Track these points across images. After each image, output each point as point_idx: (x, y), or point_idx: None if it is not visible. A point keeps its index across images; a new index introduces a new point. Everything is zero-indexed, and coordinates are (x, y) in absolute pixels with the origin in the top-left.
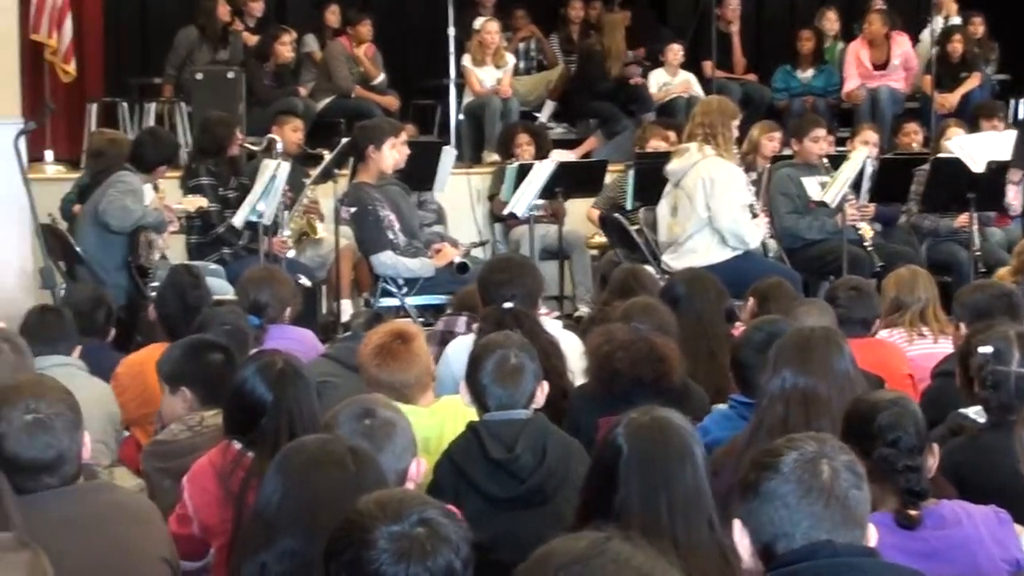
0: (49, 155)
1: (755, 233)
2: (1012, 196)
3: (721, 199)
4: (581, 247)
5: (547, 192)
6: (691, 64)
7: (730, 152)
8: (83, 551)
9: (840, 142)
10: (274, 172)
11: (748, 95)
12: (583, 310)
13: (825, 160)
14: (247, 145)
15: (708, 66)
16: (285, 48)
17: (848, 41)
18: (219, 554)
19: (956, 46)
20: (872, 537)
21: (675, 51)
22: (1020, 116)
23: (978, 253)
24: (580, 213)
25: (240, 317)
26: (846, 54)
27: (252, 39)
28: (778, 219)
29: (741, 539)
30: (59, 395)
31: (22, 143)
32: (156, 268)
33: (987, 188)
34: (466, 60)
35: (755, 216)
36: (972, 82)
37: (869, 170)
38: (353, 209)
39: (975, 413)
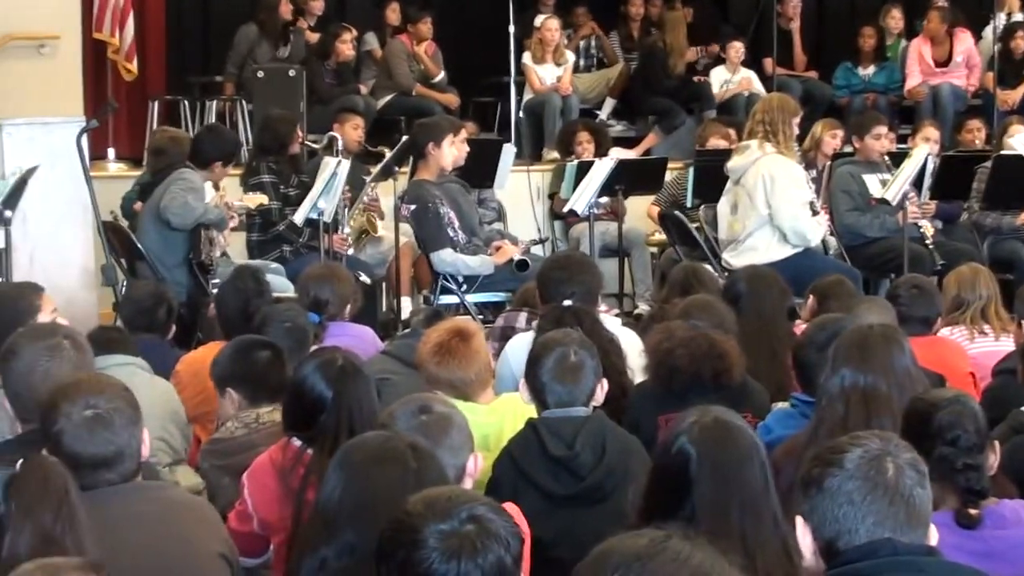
0: (111, 153)
1: (815, 230)
2: None
3: (781, 196)
4: (641, 244)
5: (607, 190)
6: (752, 61)
7: (790, 149)
8: (141, 547)
9: (901, 139)
10: (335, 169)
11: (809, 92)
12: (642, 308)
13: (886, 157)
14: (308, 143)
15: (769, 63)
16: (346, 46)
17: (911, 38)
18: (278, 550)
19: (1019, 43)
20: (933, 536)
21: (736, 48)
22: None
23: None
24: (640, 210)
25: (300, 314)
26: (908, 51)
27: (313, 37)
28: (838, 216)
29: (803, 536)
30: (118, 391)
31: (84, 141)
32: (217, 265)
33: None
34: (526, 57)
35: (815, 213)
36: None
37: (930, 167)
38: (413, 207)
39: None
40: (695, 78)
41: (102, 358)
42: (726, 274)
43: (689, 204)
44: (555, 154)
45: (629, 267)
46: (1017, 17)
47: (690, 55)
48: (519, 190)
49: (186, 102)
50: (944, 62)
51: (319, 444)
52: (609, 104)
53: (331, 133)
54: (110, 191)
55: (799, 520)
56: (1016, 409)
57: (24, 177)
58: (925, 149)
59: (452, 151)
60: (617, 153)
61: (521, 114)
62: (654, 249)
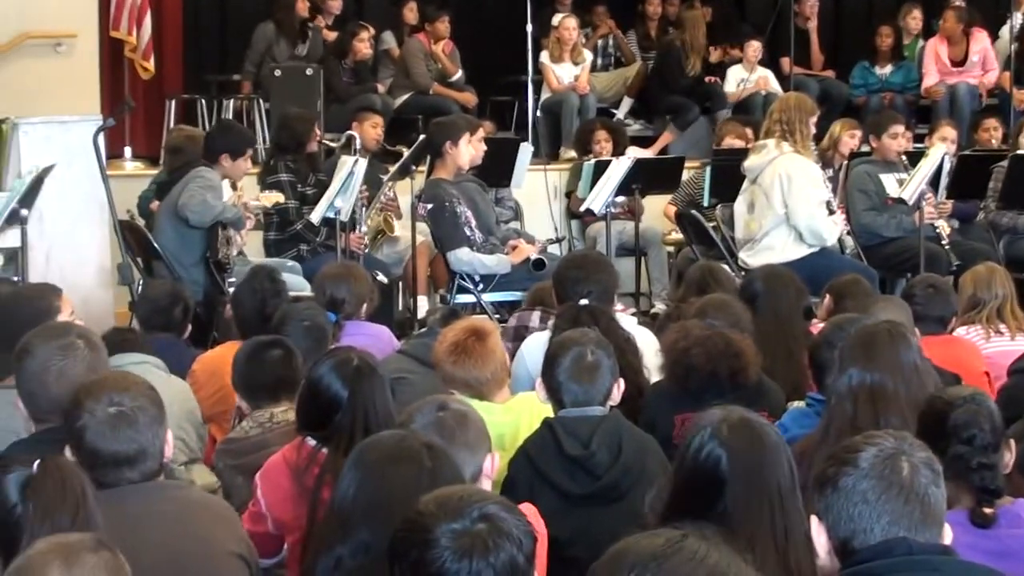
0: (128, 152)
1: (832, 230)
2: None
3: (798, 196)
4: (658, 244)
5: (624, 189)
6: (769, 61)
7: (807, 149)
8: (161, 546)
9: (918, 139)
10: (352, 168)
11: (826, 91)
12: (659, 307)
13: (903, 157)
14: (326, 141)
15: (786, 62)
16: (363, 45)
17: (928, 38)
18: (292, 550)
19: None
20: (948, 536)
21: (754, 47)
22: None
23: None
24: (657, 210)
25: (320, 313)
26: (924, 51)
27: (330, 36)
28: (855, 216)
29: (818, 536)
30: (143, 390)
31: (101, 140)
32: (234, 264)
33: None
34: (544, 56)
35: (832, 213)
36: None
37: (947, 167)
38: (430, 205)
39: None
40: (707, 78)
41: (117, 356)
42: (743, 273)
43: (706, 203)
44: (572, 153)
45: (646, 266)
46: None
47: (715, 56)
48: (536, 189)
49: (203, 101)
50: (960, 62)
51: (334, 443)
52: (626, 103)
53: (349, 132)
54: (127, 190)
55: (814, 519)
56: None
57: (40, 176)
58: (942, 148)
59: (469, 150)
60: (634, 152)
61: (538, 113)
62: (671, 248)
